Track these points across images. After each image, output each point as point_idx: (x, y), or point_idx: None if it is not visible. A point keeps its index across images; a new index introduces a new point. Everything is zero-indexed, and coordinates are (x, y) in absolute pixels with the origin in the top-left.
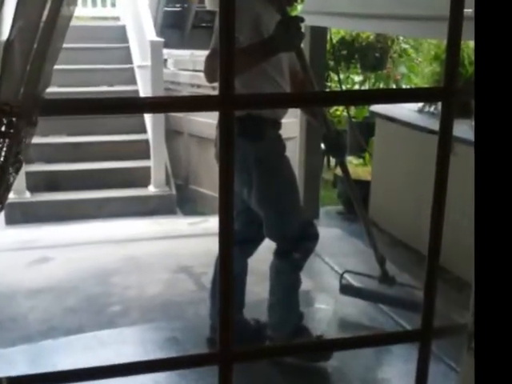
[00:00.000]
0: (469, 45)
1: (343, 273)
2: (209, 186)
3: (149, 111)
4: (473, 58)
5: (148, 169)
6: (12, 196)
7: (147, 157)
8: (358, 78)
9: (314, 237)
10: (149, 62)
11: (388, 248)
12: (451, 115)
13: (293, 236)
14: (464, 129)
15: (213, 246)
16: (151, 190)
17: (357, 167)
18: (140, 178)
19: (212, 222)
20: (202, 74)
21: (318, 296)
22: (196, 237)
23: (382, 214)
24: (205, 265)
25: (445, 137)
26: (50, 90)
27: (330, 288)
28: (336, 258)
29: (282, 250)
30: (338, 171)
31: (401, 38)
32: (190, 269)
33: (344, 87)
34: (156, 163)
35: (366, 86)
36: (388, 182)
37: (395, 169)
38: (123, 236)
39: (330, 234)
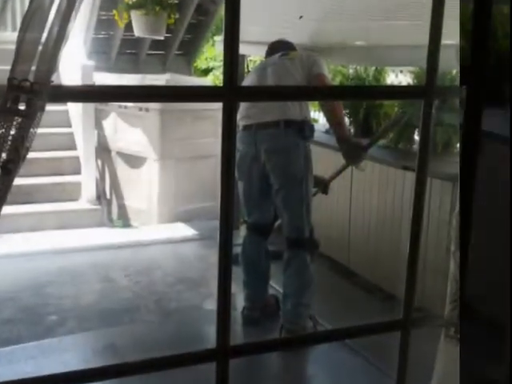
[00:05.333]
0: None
1: None
2: (137, 201)
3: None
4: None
5: (79, 184)
6: None
7: (78, 172)
8: None
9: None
10: None
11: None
12: (429, 117)
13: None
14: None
15: (144, 255)
16: (82, 204)
17: None
18: (71, 193)
19: (142, 233)
20: None
21: None
22: (127, 247)
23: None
24: (138, 273)
25: (424, 143)
26: None
27: None
28: None
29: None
30: None
31: None
32: (123, 278)
33: None
34: (86, 179)
35: None
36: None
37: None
38: (55, 248)
39: None
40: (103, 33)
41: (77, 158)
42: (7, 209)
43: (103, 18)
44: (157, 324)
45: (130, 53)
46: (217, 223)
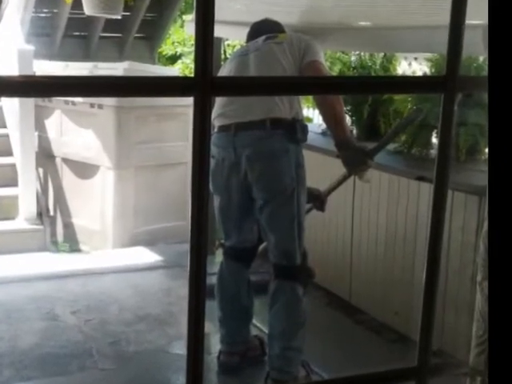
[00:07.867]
0: None
1: None
2: (88, 219)
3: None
4: None
5: (15, 198)
6: None
7: (14, 184)
8: None
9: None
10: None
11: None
12: (451, 115)
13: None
14: None
15: (97, 287)
16: (20, 223)
17: None
18: (6, 209)
19: (93, 260)
20: None
21: None
22: (75, 277)
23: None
24: (89, 309)
25: (444, 147)
26: None
27: None
28: None
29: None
30: None
31: None
32: (71, 315)
33: None
34: (25, 192)
35: None
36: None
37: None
38: None
39: None
40: (45, 11)
41: (13, 166)
42: None
43: None
44: (112, 372)
45: (79, 36)
46: (186, 247)
